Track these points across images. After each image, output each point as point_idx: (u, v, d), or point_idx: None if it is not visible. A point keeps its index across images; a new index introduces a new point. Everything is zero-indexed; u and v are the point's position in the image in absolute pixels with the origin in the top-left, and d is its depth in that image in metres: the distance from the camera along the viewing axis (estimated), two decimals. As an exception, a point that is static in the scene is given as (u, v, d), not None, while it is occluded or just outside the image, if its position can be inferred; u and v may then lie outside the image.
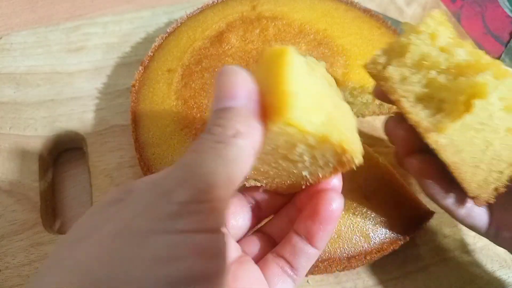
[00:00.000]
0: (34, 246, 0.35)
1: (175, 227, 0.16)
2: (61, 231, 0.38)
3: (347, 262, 0.33)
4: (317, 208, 0.24)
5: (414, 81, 0.26)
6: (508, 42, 0.54)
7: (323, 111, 0.22)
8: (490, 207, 0.29)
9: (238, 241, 0.26)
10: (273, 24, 0.42)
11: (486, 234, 0.30)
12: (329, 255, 0.32)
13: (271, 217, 0.28)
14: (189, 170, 0.18)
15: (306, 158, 0.23)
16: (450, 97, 0.24)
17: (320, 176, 0.24)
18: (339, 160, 0.23)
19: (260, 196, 0.27)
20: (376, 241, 0.33)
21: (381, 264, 0.35)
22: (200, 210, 0.17)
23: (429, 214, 0.35)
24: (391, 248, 0.33)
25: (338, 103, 0.24)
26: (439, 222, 0.38)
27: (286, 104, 0.20)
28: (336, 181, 0.25)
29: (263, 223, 0.28)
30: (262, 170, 0.24)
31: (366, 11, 0.44)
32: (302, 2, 0.44)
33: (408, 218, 0.35)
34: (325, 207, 0.23)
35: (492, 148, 0.26)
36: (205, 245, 0.17)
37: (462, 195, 0.28)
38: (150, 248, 0.16)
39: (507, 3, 0.57)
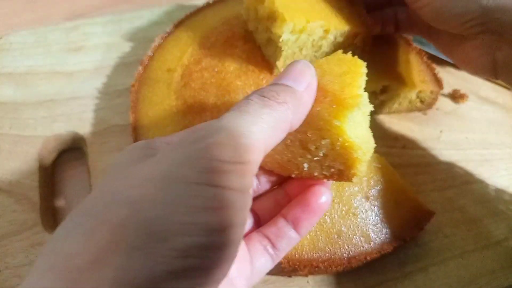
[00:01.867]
0: (34, 246, 0.35)
1: (215, 181, 0.18)
2: (60, 231, 0.38)
3: (347, 262, 0.32)
4: (308, 200, 0.26)
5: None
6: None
7: (364, 126, 0.25)
8: None
9: None
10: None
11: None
12: (330, 256, 0.32)
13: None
14: (232, 130, 0.19)
15: (320, 153, 0.24)
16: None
17: (315, 174, 0.25)
18: (342, 172, 0.24)
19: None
20: (376, 241, 0.33)
21: (382, 264, 0.35)
22: (236, 170, 0.18)
23: (429, 214, 0.35)
24: (392, 248, 0.33)
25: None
26: (439, 222, 0.38)
27: (351, 105, 0.23)
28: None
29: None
30: None
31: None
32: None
33: (408, 218, 0.35)
34: (315, 199, 0.26)
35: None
36: (237, 201, 0.18)
37: None
38: (194, 196, 0.18)
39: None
